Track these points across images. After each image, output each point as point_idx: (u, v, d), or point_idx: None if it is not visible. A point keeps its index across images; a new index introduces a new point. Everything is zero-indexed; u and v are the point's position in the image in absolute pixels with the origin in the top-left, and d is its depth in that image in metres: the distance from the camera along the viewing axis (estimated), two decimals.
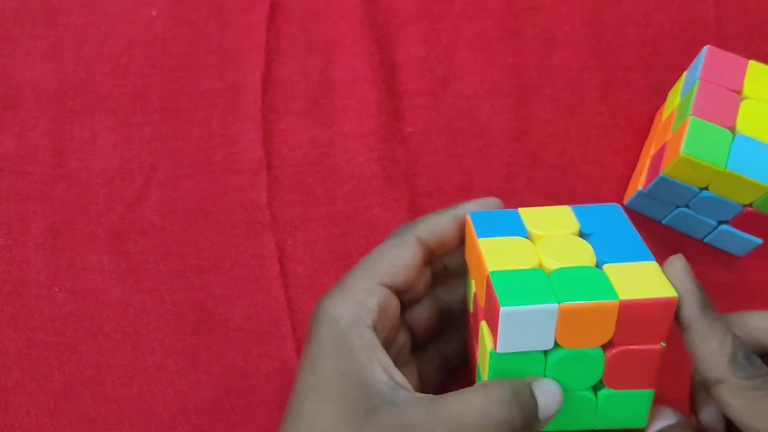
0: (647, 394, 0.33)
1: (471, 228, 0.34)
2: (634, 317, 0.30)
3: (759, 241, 0.42)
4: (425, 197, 0.45)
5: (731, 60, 0.41)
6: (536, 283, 0.31)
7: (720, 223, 0.42)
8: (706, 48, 0.41)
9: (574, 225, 0.34)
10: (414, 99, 0.47)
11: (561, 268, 0.31)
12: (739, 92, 0.40)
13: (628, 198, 0.44)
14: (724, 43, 0.48)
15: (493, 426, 0.30)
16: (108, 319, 0.42)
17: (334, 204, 0.44)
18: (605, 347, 0.32)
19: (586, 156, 0.46)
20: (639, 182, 0.43)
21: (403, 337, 0.36)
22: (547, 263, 0.32)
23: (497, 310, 0.30)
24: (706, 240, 0.44)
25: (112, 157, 0.45)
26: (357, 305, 0.32)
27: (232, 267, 0.43)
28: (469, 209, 0.35)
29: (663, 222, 0.44)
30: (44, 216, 0.44)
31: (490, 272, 0.31)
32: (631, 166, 0.46)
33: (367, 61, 0.47)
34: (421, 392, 0.32)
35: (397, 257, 0.34)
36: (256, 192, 0.44)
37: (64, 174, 0.45)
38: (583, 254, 0.32)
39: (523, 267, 0.31)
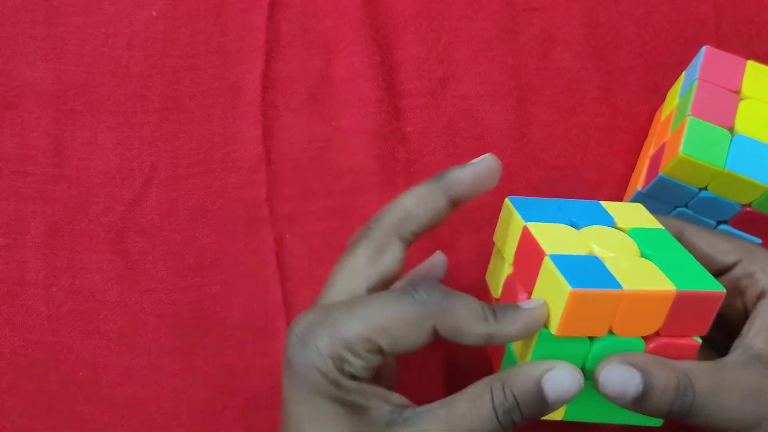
0: None
1: (512, 212, 0.34)
2: (684, 309, 0.31)
3: (758, 240, 0.42)
4: None
5: (730, 60, 0.41)
6: (595, 268, 0.31)
7: (719, 223, 0.42)
8: (704, 48, 0.41)
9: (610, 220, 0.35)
10: (413, 99, 0.47)
11: (615, 257, 0.32)
12: (737, 92, 0.40)
13: (627, 198, 0.45)
14: (722, 43, 0.48)
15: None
16: (105, 319, 0.42)
17: (332, 198, 0.45)
18: (647, 337, 0.32)
19: (585, 156, 0.46)
20: (638, 182, 0.43)
21: None
22: (597, 252, 0.32)
23: (564, 291, 0.30)
24: None
25: (113, 157, 0.45)
26: (340, 361, 0.31)
27: (230, 264, 0.43)
28: (456, 176, 0.34)
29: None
30: (44, 216, 0.44)
31: (549, 255, 0.31)
32: (631, 166, 0.46)
33: (367, 60, 0.47)
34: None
35: (377, 260, 0.33)
36: (256, 188, 0.45)
37: (64, 174, 0.45)
38: (628, 246, 0.33)
39: (578, 252, 0.32)
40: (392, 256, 0.33)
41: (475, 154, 0.46)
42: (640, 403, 0.31)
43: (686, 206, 0.42)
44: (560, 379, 0.30)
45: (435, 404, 0.31)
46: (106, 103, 0.47)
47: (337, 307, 0.32)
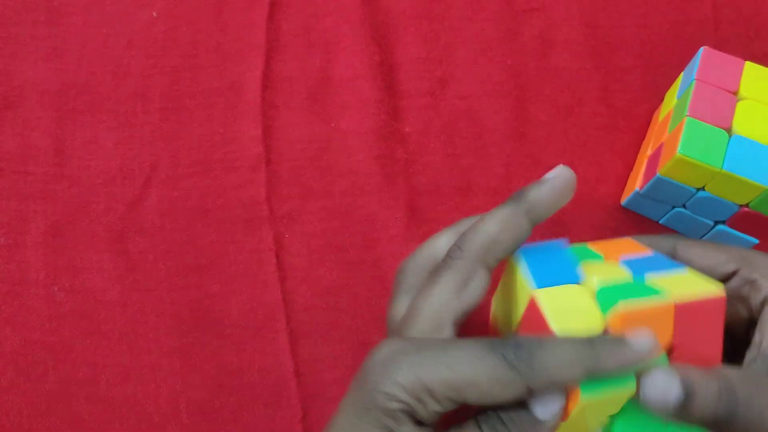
0: None
1: (521, 267, 0.32)
2: (689, 320, 0.30)
3: (755, 241, 0.42)
4: (424, 196, 0.45)
5: (728, 61, 0.41)
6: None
7: (717, 223, 0.42)
8: (702, 49, 0.41)
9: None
10: (413, 99, 0.47)
11: (605, 288, 0.31)
12: (735, 93, 0.40)
13: (625, 198, 0.45)
14: (720, 44, 0.48)
15: None
16: (105, 319, 0.42)
17: (331, 198, 0.45)
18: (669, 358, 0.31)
19: (584, 156, 0.46)
20: (636, 183, 0.43)
21: None
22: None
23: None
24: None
25: (113, 156, 0.46)
26: (415, 400, 0.29)
27: (229, 264, 0.43)
28: (537, 196, 0.33)
29: (660, 222, 0.44)
30: (45, 215, 0.44)
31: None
32: (629, 166, 0.46)
33: (367, 60, 0.47)
34: None
35: (462, 291, 0.32)
36: (255, 188, 0.45)
37: (65, 174, 0.45)
38: (622, 274, 0.32)
39: (586, 326, 0.30)
40: (478, 285, 0.32)
41: (474, 154, 0.46)
42: (683, 409, 0.29)
43: (684, 206, 0.42)
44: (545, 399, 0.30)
45: None
46: (106, 103, 0.47)
47: (426, 345, 0.30)
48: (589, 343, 0.29)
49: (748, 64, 0.41)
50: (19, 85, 0.47)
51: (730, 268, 0.34)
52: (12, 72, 0.47)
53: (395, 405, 0.29)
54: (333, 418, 0.31)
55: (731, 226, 0.41)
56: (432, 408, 0.29)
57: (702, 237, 0.43)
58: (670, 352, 0.30)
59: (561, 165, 0.34)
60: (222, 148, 0.46)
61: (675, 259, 0.34)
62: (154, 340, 0.41)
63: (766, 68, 0.41)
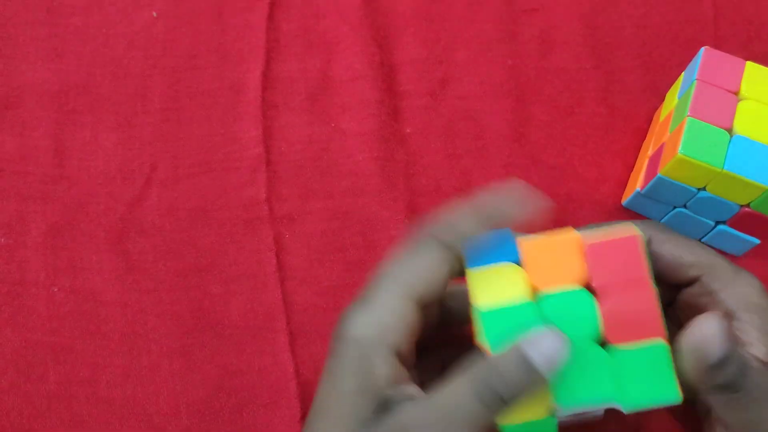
0: (662, 349, 0.30)
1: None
2: (605, 260, 0.31)
3: (756, 241, 0.42)
4: (424, 197, 0.45)
5: (729, 61, 0.41)
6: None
7: (718, 223, 0.42)
8: (703, 49, 0.41)
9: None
10: (413, 99, 0.47)
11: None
12: (736, 93, 0.40)
13: (626, 198, 0.45)
14: (721, 44, 0.48)
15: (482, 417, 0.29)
16: (106, 320, 0.42)
17: (332, 198, 0.45)
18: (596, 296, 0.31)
19: (584, 157, 0.46)
20: (637, 183, 0.43)
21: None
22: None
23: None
24: (703, 240, 0.44)
25: (113, 157, 0.45)
26: (382, 326, 0.30)
27: (229, 264, 0.43)
28: (500, 208, 0.32)
29: (661, 222, 0.44)
30: (44, 216, 0.44)
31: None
32: (629, 166, 0.46)
33: (367, 61, 0.47)
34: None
35: (428, 271, 0.31)
36: (255, 188, 0.45)
37: (65, 174, 0.45)
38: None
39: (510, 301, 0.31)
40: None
41: (474, 155, 0.46)
42: (717, 368, 0.28)
43: (685, 206, 0.42)
44: (542, 341, 0.29)
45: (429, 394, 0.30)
46: (106, 104, 0.47)
47: None
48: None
49: (749, 64, 0.41)
50: (18, 86, 0.47)
51: (692, 273, 0.33)
52: (11, 72, 0.47)
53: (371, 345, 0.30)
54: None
55: (732, 227, 0.41)
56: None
57: (703, 237, 0.43)
58: (596, 294, 0.31)
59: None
60: (222, 148, 0.46)
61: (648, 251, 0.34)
62: (154, 341, 0.41)
63: (767, 68, 0.41)
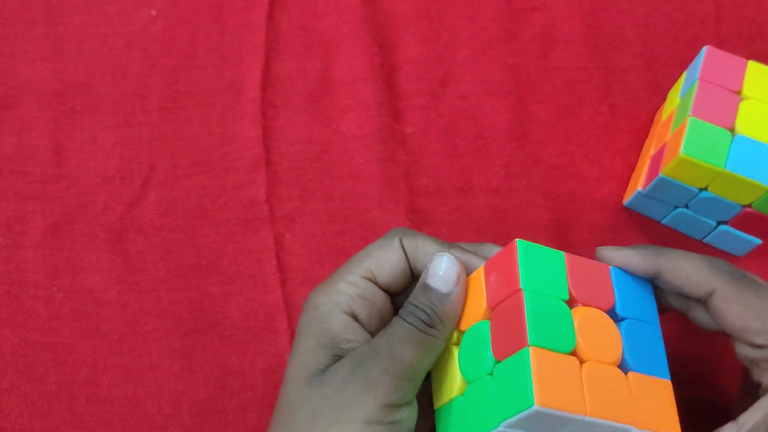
0: (524, 353, 0.30)
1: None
2: (492, 274, 0.33)
3: (758, 241, 0.42)
4: (425, 197, 0.45)
5: (730, 60, 0.41)
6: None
7: (719, 223, 0.42)
8: (705, 48, 0.41)
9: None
10: (413, 99, 0.47)
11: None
12: (738, 93, 0.40)
13: (627, 198, 0.44)
14: (723, 43, 0.48)
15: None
16: (105, 320, 0.42)
17: (332, 201, 0.45)
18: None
19: (585, 156, 0.46)
20: (638, 183, 0.43)
21: None
22: None
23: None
24: (705, 240, 0.44)
25: (112, 157, 0.45)
26: (336, 294, 0.34)
27: (229, 264, 0.43)
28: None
29: (662, 222, 0.44)
30: (43, 216, 0.44)
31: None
32: (631, 166, 0.46)
33: (367, 61, 0.47)
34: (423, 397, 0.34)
35: (383, 258, 0.35)
36: (255, 188, 0.45)
37: (64, 174, 0.45)
38: None
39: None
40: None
41: (475, 154, 0.46)
42: None
43: (686, 206, 0.42)
44: (436, 265, 0.33)
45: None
46: (105, 103, 0.46)
47: None
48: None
49: (751, 63, 0.41)
50: (17, 85, 0.47)
51: (758, 341, 0.32)
52: (10, 72, 0.47)
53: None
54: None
55: (734, 226, 0.41)
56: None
57: (704, 237, 0.43)
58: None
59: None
60: (221, 148, 0.46)
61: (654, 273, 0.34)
62: (154, 341, 0.41)
63: None
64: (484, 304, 0.32)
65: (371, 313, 0.35)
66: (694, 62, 0.42)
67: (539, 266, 0.32)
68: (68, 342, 0.41)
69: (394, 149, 0.46)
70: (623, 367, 0.31)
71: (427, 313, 0.32)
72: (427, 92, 0.47)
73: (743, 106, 0.39)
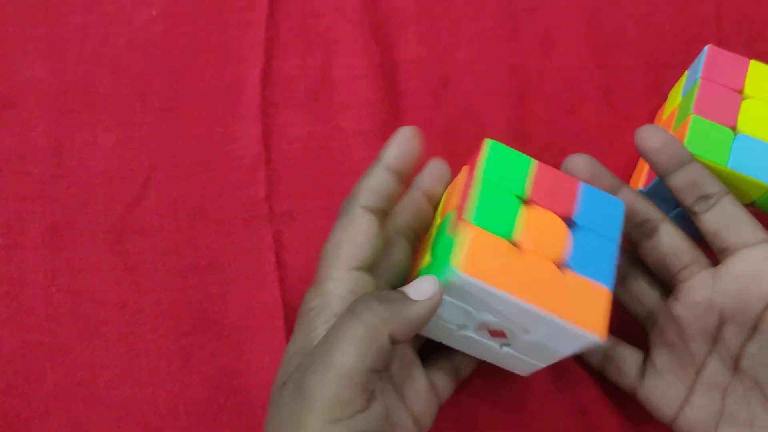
0: (463, 227, 0.32)
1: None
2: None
3: None
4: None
5: (732, 59, 0.41)
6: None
7: None
8: (707, 47, 0.41)
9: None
10: (414, 98, 0.47)
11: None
12: (740, 92, 0.40)
13: None
14: (724, 42, 0.48)
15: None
16: (104, 320, 0.42)
17: (331, 198, 0.45)
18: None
19: None
20: (639, 181, 0.43)
21: None
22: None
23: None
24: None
25: (112, 157, 0.45)
26: (326, 295, 0.34)
27: (229, 264, 0.43)
28: (391, 153, 0.36)
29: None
30: (43, 216, 0.44)
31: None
32: (632, 165, 0.46)
33: (367, 60, 0.47)
34: (435, 402, 0.36)
35: (355, 235, 0.34)
36: (255, 187, 0.45)
37: (64, 174, 0.45)
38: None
39: None
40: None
41: (475, 153, 0.46)
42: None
43: None
44: (419, 284, 0.32)
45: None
46: (105, 103, 0.46)
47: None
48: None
49: (753, 62, 0.41)
50: (17, 85, 0.46)
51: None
52: (10, 71, 0.47)
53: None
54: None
55: None
56: None
57: None
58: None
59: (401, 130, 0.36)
60: (221, 147, 0.46)
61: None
62: (152, 342, 0.41)
63: None
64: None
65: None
66: (696, 61, 0.42)
67: (505, 165, 0.34)
68: (67, 342, 0.41)
69: None
70: (565, 268, 0.33)
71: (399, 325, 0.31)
72: (428, 91, 0.47)
73: (745, 105, 0.39)
